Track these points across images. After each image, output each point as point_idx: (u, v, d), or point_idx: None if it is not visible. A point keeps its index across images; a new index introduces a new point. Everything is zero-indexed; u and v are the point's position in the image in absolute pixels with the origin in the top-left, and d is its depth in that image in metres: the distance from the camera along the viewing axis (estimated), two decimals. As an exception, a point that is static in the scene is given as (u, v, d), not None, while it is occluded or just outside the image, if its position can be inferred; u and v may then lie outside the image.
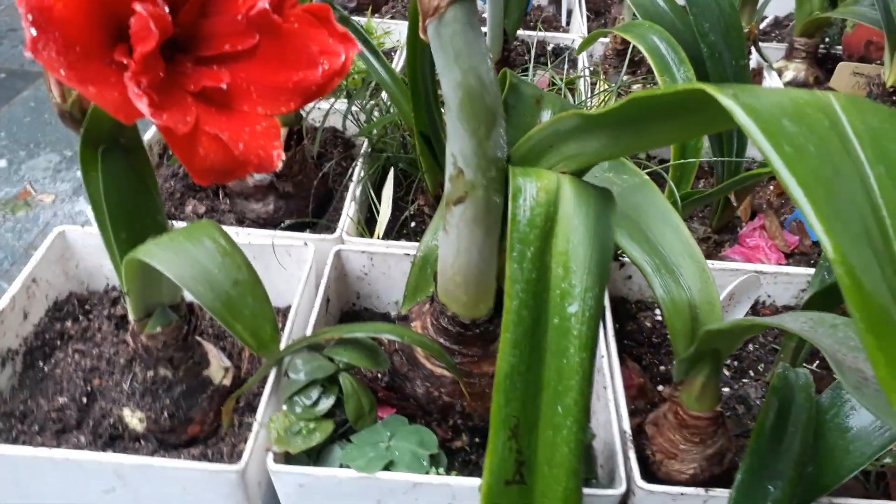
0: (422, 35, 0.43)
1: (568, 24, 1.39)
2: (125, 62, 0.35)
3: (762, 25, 1.48)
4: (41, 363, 0.66)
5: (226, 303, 0.48)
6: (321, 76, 0.41)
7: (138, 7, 0.34)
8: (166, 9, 0.36)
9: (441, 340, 0.56)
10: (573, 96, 0.97)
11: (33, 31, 0.31)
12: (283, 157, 0.47)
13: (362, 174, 0.83)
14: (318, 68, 0.41)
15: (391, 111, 0.87)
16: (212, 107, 0.39)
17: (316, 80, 0.41)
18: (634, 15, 0.96)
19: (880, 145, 0.25)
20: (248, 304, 0.49)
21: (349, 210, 0.77)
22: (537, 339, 0.42)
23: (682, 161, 0.72)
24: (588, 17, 1.34)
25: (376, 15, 1.31)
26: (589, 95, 0.96)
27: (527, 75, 0.98)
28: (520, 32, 1.18)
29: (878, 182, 0.24)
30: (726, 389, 0.68)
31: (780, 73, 1.20)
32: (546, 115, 0.58)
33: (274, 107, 0.41)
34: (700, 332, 0.48)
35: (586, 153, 0.42)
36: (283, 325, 0.71)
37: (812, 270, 0.75)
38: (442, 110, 0.71)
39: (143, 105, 0.34)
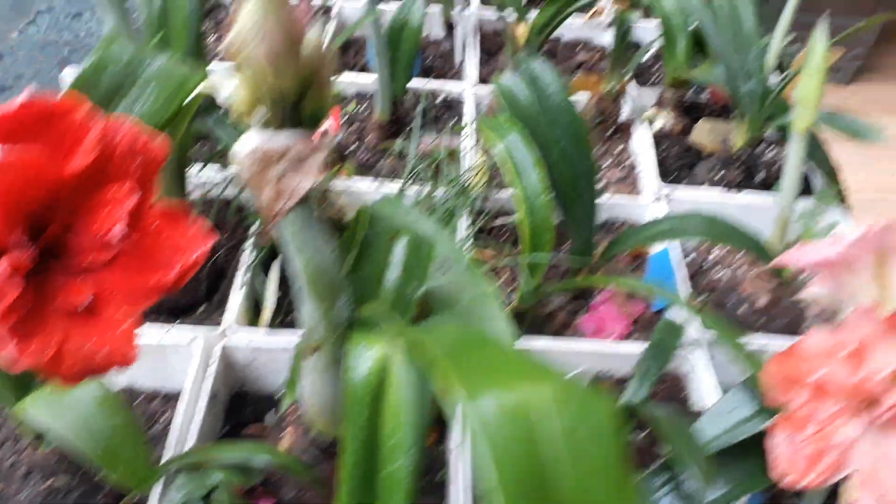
0: (267, 232, 0.49)
1: (462, 62, 1.45)
2: (-8, 307, 0.41)
3: (644, 59, 1.57)
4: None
5: (105, 451, 0.54)
6: (176, 275, 0.48)
7: None
8: (29, 247, 0.42)
9: (309, 452, 0.64)
10: (456, 164, 1.04)
11: None
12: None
13: (253, 254, 0.89)
14: (173, 269, 0.47)
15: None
16: (77, 318, 0.45)
17: (171, 279, 0.48)
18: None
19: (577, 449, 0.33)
20: (127, 449, 0.56)
21: (236, 299, 0.83)
22: (372, 492, 0.50)
23: (534, 254, 0.81)
24: (481, 60, 1.41)
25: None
26: (468, 166, 1.04)
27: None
28: (411, 84, 1.24)
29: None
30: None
31: (651, 121, 1.30)
32: (400, 248, 0.65)
33: (134, 307, 0.47)
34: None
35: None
36: (172, 415, 0.77)
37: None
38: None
39: (10, 350, 0.40)
